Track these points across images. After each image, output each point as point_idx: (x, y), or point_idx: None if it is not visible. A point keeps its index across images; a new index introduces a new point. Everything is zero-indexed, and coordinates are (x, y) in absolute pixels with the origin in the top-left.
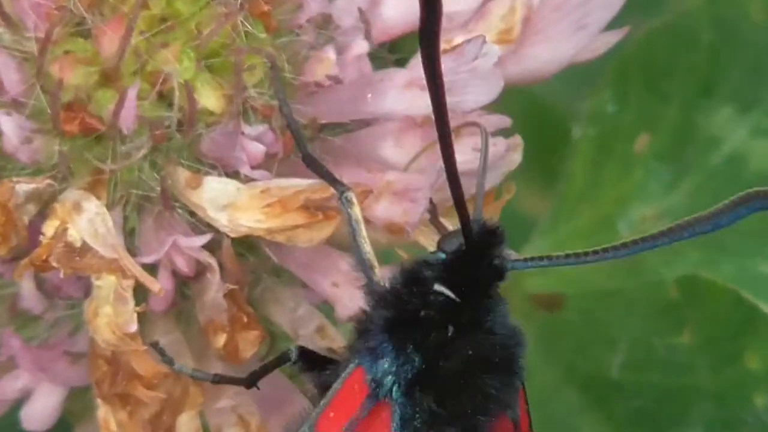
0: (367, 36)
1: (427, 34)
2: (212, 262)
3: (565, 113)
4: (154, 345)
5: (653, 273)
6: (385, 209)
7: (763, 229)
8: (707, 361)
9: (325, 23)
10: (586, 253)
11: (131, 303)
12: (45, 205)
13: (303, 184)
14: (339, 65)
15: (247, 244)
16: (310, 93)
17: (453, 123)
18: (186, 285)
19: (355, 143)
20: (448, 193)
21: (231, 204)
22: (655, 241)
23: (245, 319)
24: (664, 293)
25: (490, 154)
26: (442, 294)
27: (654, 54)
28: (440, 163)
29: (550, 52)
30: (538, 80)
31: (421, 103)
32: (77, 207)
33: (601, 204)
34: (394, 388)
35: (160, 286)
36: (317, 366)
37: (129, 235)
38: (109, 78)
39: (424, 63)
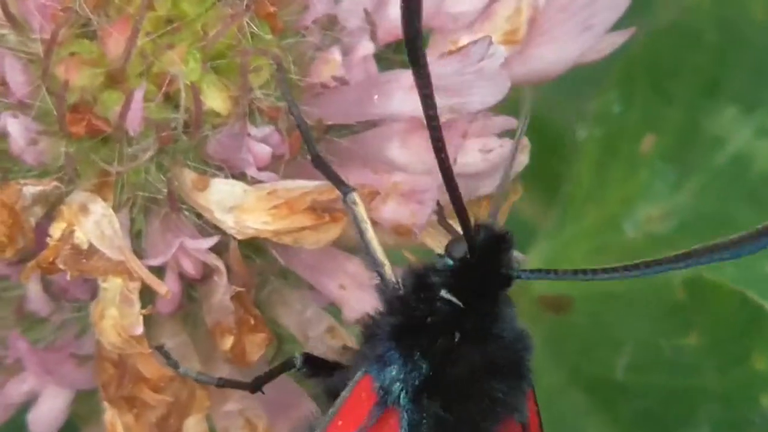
0: (373, 37)
1: (410, 44)
2: (219, 264)
3: (566, 115)
4: (159, 348)
5: (659, 275)
6: (392, 211)
7: None
8: (714, 362)
9: (330, 24)
10: (594, 271)
11: (137, 305)
12: (52, 207)
13: (310, 185)
14: (345, 66)
15: (253, 246)
16: (316, 94)
17: (459, 125)
18: (193, 287)
19: (362, 144)
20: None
21: (238, 206)
22: (670, 264)
23: (252, 322)
24: (670, 295)
25: (497, 156)
26: (449, 300)
27: (659, 54)
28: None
29: (556, 53)
30: (544, 81)
31: None
32: (84, 209)
33: (606, 204)
34: (402, 395)
35: (166, 288)
36: (323, 372)
37: (136, 237)
38: (115, 79)
39: (413, 72)
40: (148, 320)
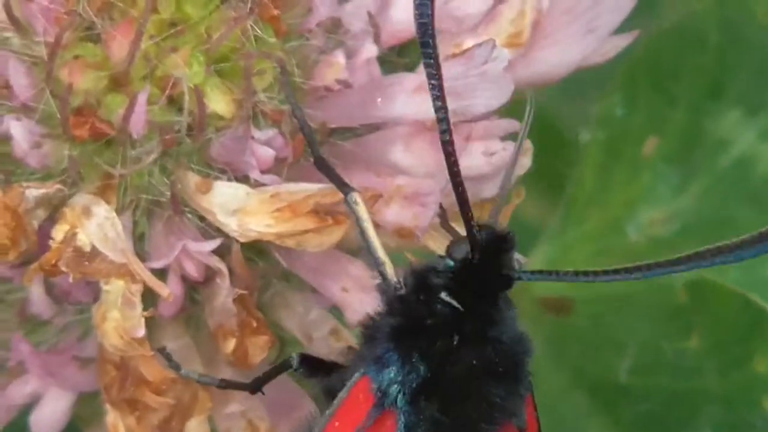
0: (377, 40)
1: (425, 45)
2: (222, 266)
3: (569, 117)
4: (161, 350)
5: (661, 277)
6: (395, 213)
7: None
8: (715, 364)
9: (334, 27)
10: (596, 272)
11: (139, 308)
12: (55, 209)
13: (313, 188)
14: (348, 69)
15: (256, 249)
16: (320, 97)
17: (464, 127)
18: (195, 290)
19: (365, 147)
20: None
21: (241, 208)
22: (672, 267)
23: (255, 324)
24: (672, 297)
25: (500, 159)
26: (448, 303)
27: (662, 57)
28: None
29: (560, 55)
30: (548, 84)
31: (431, 107)
32: (87, 211)
33: (609, 207)
34: (399, 397)
35: (169, 290)
36: (320, 372)
37: (138, 239)
38: (118, 82)
39: (426, 71)
40: (150, 323)
